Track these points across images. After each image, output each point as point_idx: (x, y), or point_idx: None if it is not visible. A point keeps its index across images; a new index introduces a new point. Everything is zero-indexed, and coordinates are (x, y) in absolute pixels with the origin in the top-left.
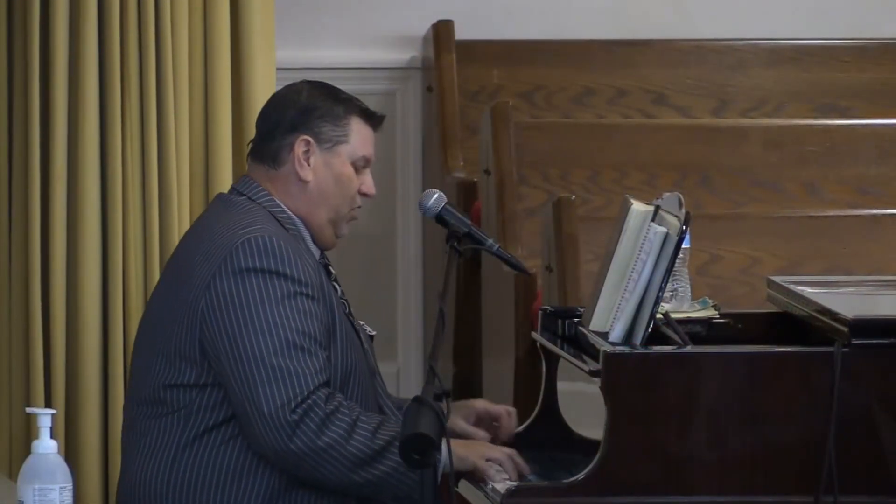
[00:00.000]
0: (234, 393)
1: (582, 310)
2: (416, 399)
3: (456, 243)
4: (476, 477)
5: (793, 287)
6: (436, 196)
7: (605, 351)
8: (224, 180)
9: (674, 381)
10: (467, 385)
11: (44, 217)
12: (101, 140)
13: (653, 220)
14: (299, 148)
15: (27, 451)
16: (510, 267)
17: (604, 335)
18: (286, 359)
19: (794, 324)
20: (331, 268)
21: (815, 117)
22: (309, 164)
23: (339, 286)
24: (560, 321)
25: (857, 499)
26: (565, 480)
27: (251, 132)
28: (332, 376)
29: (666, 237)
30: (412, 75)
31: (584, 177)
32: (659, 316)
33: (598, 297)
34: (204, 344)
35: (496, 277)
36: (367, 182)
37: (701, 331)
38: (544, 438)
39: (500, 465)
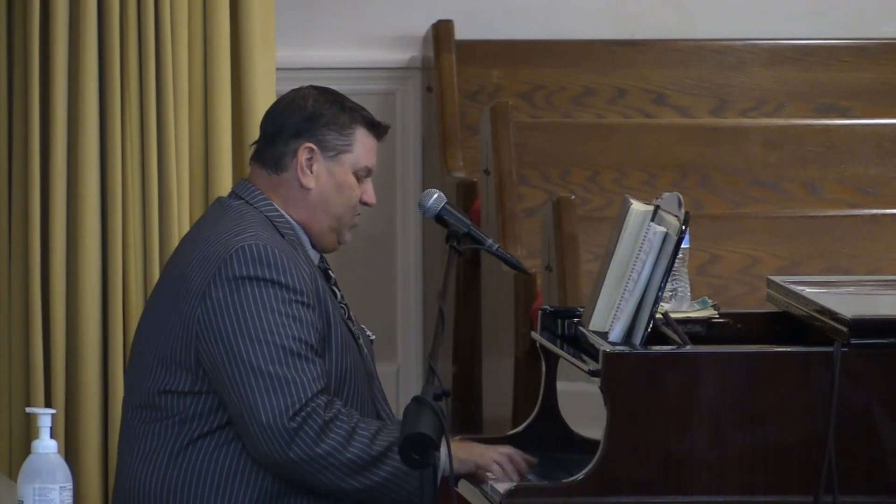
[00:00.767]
0: (231, 402)
1: (582, 310)
2: (416, 399)
3: (456, 243)
4: (477, 478)
5: (792, 287)
6: (435, 196)
7: (604, 351)
8: (224, 180)
9: (673, 380)
10: (467, 385)
11: (44, 217)
12: (101, 140)
13: (652, 219)
14: (302, 155)
15: (27, 450)
16: (510, 267)
17: (603, 335)
18: (283, 367)
19: (793, 324)
20: (330, 272)
21: (815, 117)
22: (311, 172)
23: (339, 290)
24: (560, 321)
25: (857, 498)
26: (565, 480)
27: (251, 132)
28: (328, 382)
29: (665, 237)
30: (412, 75)
31: (584, 177)
32: (658, 316)
33: (597, 297)
34: (199, 352)
35: (496, 277)
36: (369, 191)
37: (701, 331)
38: (544, 438)
39: (500, 466)
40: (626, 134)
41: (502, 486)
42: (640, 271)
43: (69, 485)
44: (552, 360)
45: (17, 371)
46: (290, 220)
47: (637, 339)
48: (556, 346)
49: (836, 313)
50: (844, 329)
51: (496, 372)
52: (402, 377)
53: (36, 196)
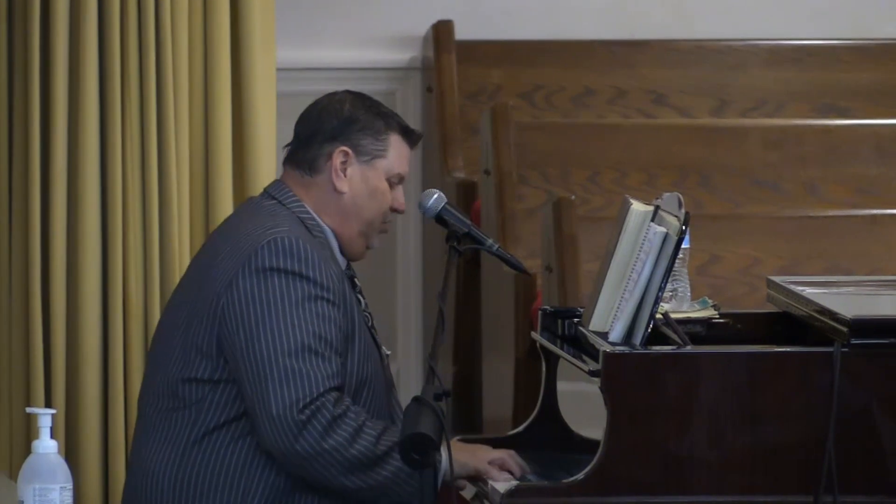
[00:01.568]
0: (245, 391)
1: (582, 310)
2: (416, 399)
3: (456, 243)
4: (478, 479)
5: (792, 287)
6: (435, 196)
7: (604, 351)
8: (224, 180)
9: (673, 380)
10: (467, 385)
11: (44, 217)
12: (101, 140)
13: (652, 220)
14: (337, 158)
15: (27, 450)
16: (510, 267)
17: (603, 335)
18: (299, 361)
19: (793, 324)
20: (356, 280)
21: (815, 117)
22: (345, 176)
23: (364, 299)
24: (560, 321)
25: (857, 498)
26: (565, 480)
27: (251, 132)
28: (347, 383)
29: (665, 237)
30: (412, 75)
31: (584, 177)
32: (659, 316)
33: (597, 297)
34: (221, 340)
35: (496, 277)
36: (399, 198)
37: (701, 331)
38: (544, 438)
39: (503, 464)
40: (626, 134)
41: (502, 486)
42: (640, 271)
43: (69, 485)
44: (552, 360)
45: (17, 371)
46: (322, 223)
47: (637, 340)
48: (556, 346)
49: (837, 313)
50: (845, 329)
51: (496, 372)
52: (402, 377)
53: (36, 196)
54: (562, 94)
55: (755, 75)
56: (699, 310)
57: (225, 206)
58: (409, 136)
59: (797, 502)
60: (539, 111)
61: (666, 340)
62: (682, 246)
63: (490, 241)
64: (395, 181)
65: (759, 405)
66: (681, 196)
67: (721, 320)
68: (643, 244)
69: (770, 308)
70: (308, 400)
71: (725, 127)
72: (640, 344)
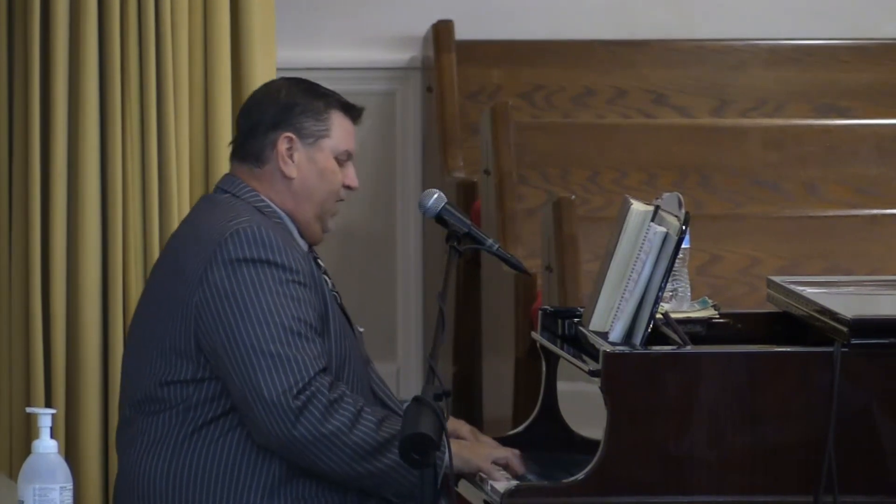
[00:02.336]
0: (234, 385)
1: (582, 310)
2: (416, 399)
3: (456, 243)
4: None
5: (793, 287)
6: (435, 196)
7: (604, 351)
8: None
9: (673, 380)
10: (467, 385)
11: (44, 217)
12: (101, 140)
13: (652, 220)
14: (282, 145)
15: (27, 450)
16: (510, 267)
17: (604, 335)
18: (284, 346)
19: (793, 324)
20: (319, 261)
21: (815, 117)
22: (293, 161)
23: (330, 278)
24: (560, 321)
25: (857, 499)
26: (565, 480)
27: None
28: (328, 363)
29: (666, 237)
30: (412, 75)
31: (584, 177)
32: (659, 316)
33: (597, 297)
34: (200, 338)
35: (496, 277)
36: (350, 175)
37: (701, 331)
38: (544, 438)
39: (506, 463)
40: (626, 134)
41: (502, 486)
42: (640, 271)
43: (69, 485)
44: (552, 360)
45: (17, 371)
46: (278, 209)
47: (637, 340)
48: (556, 346)
49: (837, 313)
50: (845, 329)
51: (496, 372)
52: (402, 377)
53: (36, 196)
54: (562, 94)
55: (755, 75)
56: (699, 310)
57: None
58: (351, 111)
59: (797, 502)
60: (539, 111)
61: (666, 340)
62: (683, 246)
63: (490, 240)
64: (343, 158)
65: (759, 405)
66: (681, 196)
67: (721, 320)
68: (643, 244)
69: (770, 308)
70: (302, 385)
71: (725, 127)
72: (640, 344)
